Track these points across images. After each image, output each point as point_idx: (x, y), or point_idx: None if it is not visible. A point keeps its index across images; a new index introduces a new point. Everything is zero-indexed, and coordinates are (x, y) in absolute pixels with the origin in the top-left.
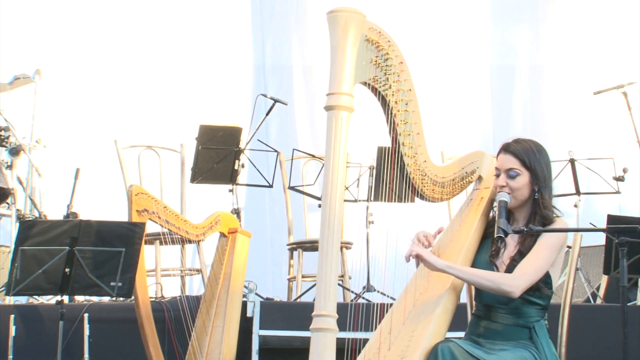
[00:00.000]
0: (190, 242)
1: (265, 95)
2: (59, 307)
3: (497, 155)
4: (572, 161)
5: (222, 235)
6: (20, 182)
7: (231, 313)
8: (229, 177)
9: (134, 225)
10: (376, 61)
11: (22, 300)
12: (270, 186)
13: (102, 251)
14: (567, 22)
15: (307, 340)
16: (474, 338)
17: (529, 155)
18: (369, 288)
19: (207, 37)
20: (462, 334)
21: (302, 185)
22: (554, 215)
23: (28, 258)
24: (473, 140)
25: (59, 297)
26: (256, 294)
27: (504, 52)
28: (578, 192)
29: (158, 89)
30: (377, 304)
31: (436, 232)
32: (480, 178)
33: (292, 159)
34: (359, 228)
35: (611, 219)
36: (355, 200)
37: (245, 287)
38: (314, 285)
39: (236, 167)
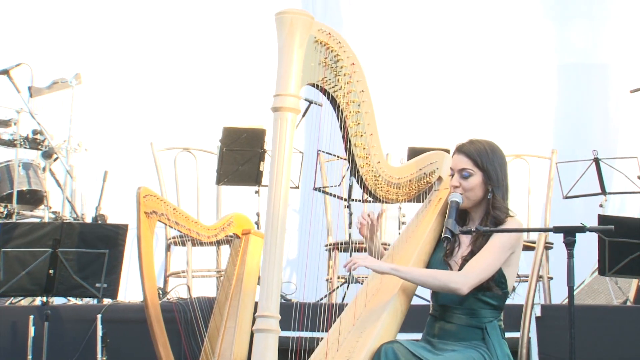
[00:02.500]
0: (202, 244)
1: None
2: (44, 309)
3: (452, 156)
4: (596, 160)
5: (236, 236)
6: (59, 185)
7: (243, 314)
8: (255, 178)
9: (117, 228)
10: (326, 62)
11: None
12: (297, 187)
13: (85, 253)
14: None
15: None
16: (429, 338)
17: (481, 156)
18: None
19: (244, 38)
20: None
21: (330, 187)
22: (507, 215)
23: (11, 260)
24: (537, 138)
25: (44, 299)
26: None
27: (568, 51)
28: (604, 192)
29: (193, 91)
30: (333, 305)
31: (379, 215)
32: (440, 179)
33: (317, 161)
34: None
35: (602, 219)
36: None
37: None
38: (341, 285)
39: (261, 169)
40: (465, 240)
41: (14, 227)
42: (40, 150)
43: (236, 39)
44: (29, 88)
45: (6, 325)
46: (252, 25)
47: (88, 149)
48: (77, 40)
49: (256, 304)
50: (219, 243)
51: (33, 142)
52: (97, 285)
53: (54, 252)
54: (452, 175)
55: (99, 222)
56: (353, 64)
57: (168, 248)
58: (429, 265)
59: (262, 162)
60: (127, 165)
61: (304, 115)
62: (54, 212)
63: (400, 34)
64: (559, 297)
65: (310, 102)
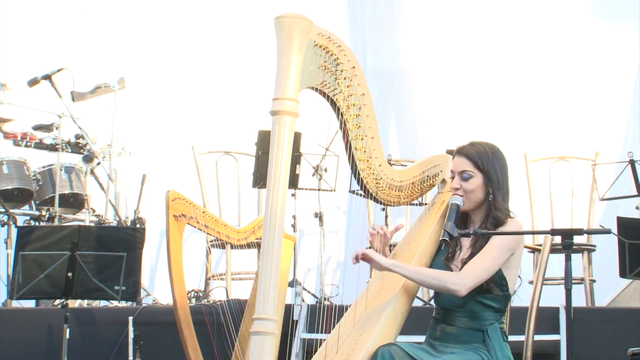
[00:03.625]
0: (233, 247)
1: None
2: (63, 311)
3: (453, 158)
4: (631, 162)
5: None
6: (102, 188)
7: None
8: (290, 181)
9: (134, 231)
10: (325, 66)
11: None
12: (333, 190)
13: (103, 256)
14: None
15: None
16: (431, 341)
17: (482, 158)
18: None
19: None
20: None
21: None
22: (508, 216)
23: (29, 263)
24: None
25: (64, 301)
26: (311, 294)
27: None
28: None
29: (234, 94)
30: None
31: (395, 228)
32: (444, 181)
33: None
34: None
35: (621, 221)
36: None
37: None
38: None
39: (297, 172)
40: (466, 243)
41: (31, 230)
42: (82, 154)
43: None
44: (71, 93)
45: (42, 327)
46: None
47: (132, 152)
48: (117, 45)
49: (287, 306)
50: (249, 246)
51: (75, 146)
52: (116, 287)
53: (72, 255)
54: (453, 178)
55: (137, 225)
56: (354, 67)
57: (209, 251)
58: (431, 267)
59: (298, 165)
60: (168, 169)
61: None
62: (96, 216)
63: (451, 32)
64: (601, 299)
65: None
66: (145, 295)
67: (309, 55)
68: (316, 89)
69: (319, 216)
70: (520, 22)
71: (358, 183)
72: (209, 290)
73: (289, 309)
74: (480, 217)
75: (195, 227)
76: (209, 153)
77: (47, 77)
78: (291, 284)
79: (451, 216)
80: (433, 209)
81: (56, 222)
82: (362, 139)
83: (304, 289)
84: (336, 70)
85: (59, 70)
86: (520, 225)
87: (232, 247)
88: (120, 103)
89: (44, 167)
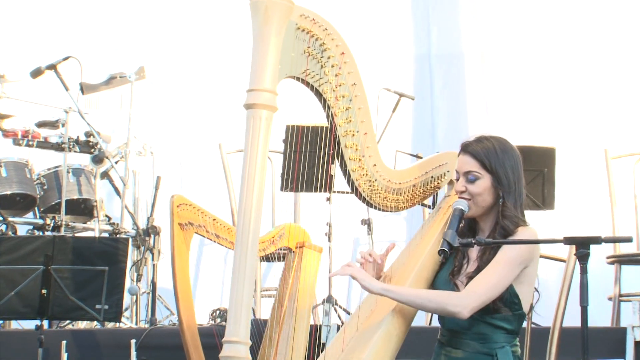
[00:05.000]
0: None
1: (388, 90)
2: (38, 333)
3: (458, 156)
4: None
5: (289, 250)
6: (117, 192)
7: (296, 338)
8: (324, 184)
9: (116, 242)
10: (310, 52)
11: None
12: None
13: (82, 270)
14: None
15: None
16: None
17: (489, 156)
18: None
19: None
20: None
21: None
22: (518, 225)
23: None
24: None
25: (38, 322)
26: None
27: None
28: None
29: None
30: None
31: (387, 251)
32: (451, 183)
33: (395, 161)
34: None
35: None
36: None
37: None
38: None
39: (332, 173)
40: (474, 255)
41: None
42: (92, 154)
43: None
44: (80, 84)
45: (16, 351)
46: (365, 12)
47: (154, 152)
48: (134, 29)
49: (311, 328)
50: (267, 258)
51: (84, 145)
52: (98, 306)
53: (47, 270)
54: (458, 179)
55: (151, 234)
56: (343, 53)
57: None
58: (434, 284)
59: (332, 166)
60: (192, 170)
61: (394, 111)
62: (111, 224)
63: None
64: None
65: (401, 95)
66: (168, 315)
67: (289, 40)
68: (298, 79)
69: (368, 223)
70: (601, 4)
71: (349, 185)
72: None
73: (316, 331)
74: (490, 224)
75: (204, 236)
76: (239, 152)
77: (52, 67)
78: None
79: (453, 223)
80: (438, 216)
81: (62, 232)
82: (353, 135)
83: (340, 307)
84: (322, 57)
85: (65, 59)
86: (534, 234)
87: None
88: (138, 95)
89: (48, 169)
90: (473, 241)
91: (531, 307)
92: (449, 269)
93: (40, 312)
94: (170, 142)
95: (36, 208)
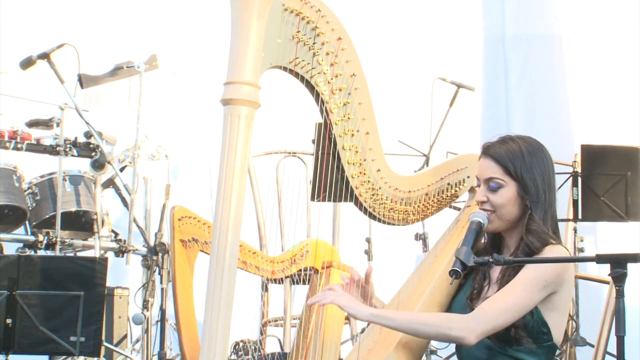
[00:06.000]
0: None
1: (444, 80)
2: None
3: (479, 160)
4: None
5: (314, 271)
6: (125, 203)
7: None
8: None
9: (92, 262)
10: (299, 38)
11: None
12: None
13: (53, 296)
14: None
15: None
16: None
17: (514, 160)
18: None
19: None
20: None
21: None
22: (546, 243)
23: None
24: None
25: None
26: None
27: None
28: None
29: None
30: None
31: (366, 274)
32: (472, 190)
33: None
34: None
35: None
36: None
37: None
38: None
39: None
40: (495, 277)
41: None
42: (93, 158)
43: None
44: (79, 76)
45: None
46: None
47: (169, 155)
48: (144, 12)
49: None
50: (290, 280)
51: (84, 148)
52: (72, 339)
53: (11, 296)
54: (479, 186)
55: (159, 252)
56: (340, 38)
57: (265, 287)
58: (450, 309)
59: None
60: (212, 176)
61: (451, 105)
62: (117, 241)
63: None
64: None
65: (459, 86)
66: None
67: (275, 24)
68: (286, 69)
69: (423, 238)
70: None
71: (347, 194)
72: (255, 341)
73: None
74: (515, 240)
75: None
76: (267, 154)
77: (45, 56)
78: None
79: (468, 239)
80: (456, 230)
81: (57, 250)
82: (352, 135)
83: None
84: (314, 44)
85: (60, 47)
86: (564, 253)
87: (269, 282)
88: (149, 89)
89: (41, 176)
90: (490, 260)
91: (568, 339)
92: (467, 292)
93: (5, 346)
94: (185, 143)
95: (27, 222)
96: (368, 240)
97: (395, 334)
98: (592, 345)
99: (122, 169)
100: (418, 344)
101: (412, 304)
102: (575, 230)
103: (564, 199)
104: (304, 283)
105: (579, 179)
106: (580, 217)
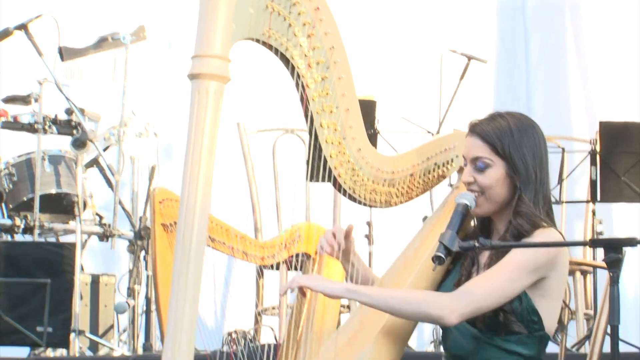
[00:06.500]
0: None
1: (454, 51)
2: None
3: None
4: None
5: (307, 257)
6: (110, 185)
7: None
8: None
9: (59, 248)
10: (274, 8)
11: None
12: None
13: (17, 284)
14: None
15: None
16: None
17: (503, 138)
18: None
19: None
20: None
21: None
22: (537, 226)
23: None
24: None
25: None
26: None
27: None
28: None
29: None
30: None
31: (346, 231)
32: (461, 170)
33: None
34: None
35: None
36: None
37: None
38: None
39: None
40: (483, 262)
41: None
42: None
43: None
44: (60, 49)
45: None
46: None
47: (158, 133)
48: None
49: None
50: (279, 267)
51: (65, 126)
52: (39, 329)
53: None
54: (466, 166)
55: (144, 237)
56: (318, 8)
57: (260, 273)
58: None
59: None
60: None
61: (461, 78)
62: (102, 225)
63: None
64: None
65: (470, 58)
66: None
67: None
68: (259, 41)
69: None
70: None
71: (326, 175)
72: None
73: None
74: (504, 223)
75: None
76: (262, 132)
77: (22, 27)
78: None
79: (453, 222)
80: (443, 213)
81: (36, 236)
82: (331, 112)
83: None
84: (290, 14)
85: (37, 17)
86: (556, 237)
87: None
88: (136, 62)
89: (19, 156)
90: (476, 244)
91: (562, 328)
92: (454, 279)
93: None
94: (178, 121)
95: (3, 205)
96: (368, 224)
97: (376, 322)
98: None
99: (106, 148)
100: (401, 331)
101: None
102: (593, 212)
103: (583, 180)
104: (295, 269)
105: (598, 157)
106: (598, 198)
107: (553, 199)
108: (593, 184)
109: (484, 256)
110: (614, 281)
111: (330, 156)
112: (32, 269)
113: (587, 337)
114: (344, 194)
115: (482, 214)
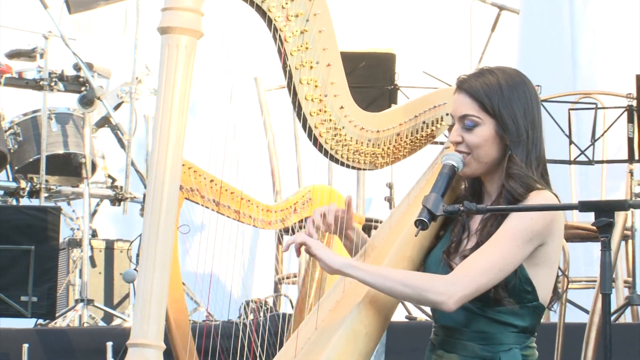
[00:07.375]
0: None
1: (484, 1)
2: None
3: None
4: None
5: None
6: (122, 145)
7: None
8: None
9: (43, 212)
10: None
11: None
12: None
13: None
14: None
15: None
16: None
17: (490, 95)
18: None
19: None
20: None
21: None
22: (531, 188)
23: None
24: None
25: None
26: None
27: None
28: None
29: None
30: None
31: (346, 201)
32: (452, 129)
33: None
34: None
35: None
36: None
37: None
38: None
39: None
40: (475, 227)
41: None
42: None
43: None
44: (67, 1)
45: None
46: None
47: None
48: None
49: None
50: (288, 232)
51: (73, 82)
52: (23, 298)
53: None
54: (454, 125)
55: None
56: None
57: (279, 239)
58: (425, 266)
59: (392, 105)
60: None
61: (492, 30)
62: (114, 187)
63: None
64: None
65: (501, 9)
66: (196, 309)
67: None
68: None
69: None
70: None
71: (306, 134)
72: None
73: None
74: (498, 186)
75: (200, 204)
76: (282, 88)
77: None
78: None
79: (438, 185)
80: (432, 175)
81: (42, 199)
82: (311, 67)
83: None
84: None
85: None
86: (551, 200)
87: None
88: (148, 14)
89: (24, 114)
90: (461, 208)
91: (558, 297)
92: (444, 246)
93: None
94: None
95: (8, 167)
96: (390, 186)
97: (358, 292)
98: None
99: (118, 106)
100: (385, 303)
101: (379, 260)
102: (631, 172)
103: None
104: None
105: (634, 113)
106: (636, 157)
107: (585, 159)
108: (630, 142)
109: (475, 222)
110: (605, 246)
111: (311, 114)
112: (14, 235)
113: (626, 305)
114: (326, 155)
115: (470, 174)
